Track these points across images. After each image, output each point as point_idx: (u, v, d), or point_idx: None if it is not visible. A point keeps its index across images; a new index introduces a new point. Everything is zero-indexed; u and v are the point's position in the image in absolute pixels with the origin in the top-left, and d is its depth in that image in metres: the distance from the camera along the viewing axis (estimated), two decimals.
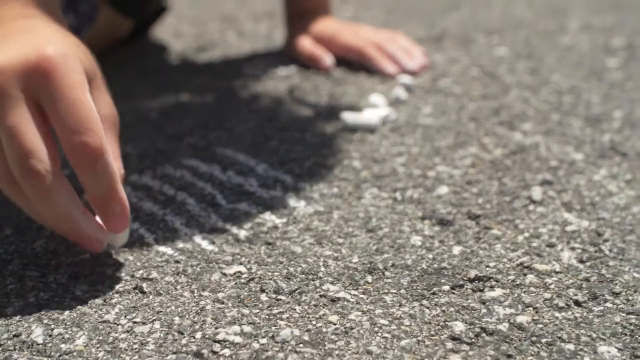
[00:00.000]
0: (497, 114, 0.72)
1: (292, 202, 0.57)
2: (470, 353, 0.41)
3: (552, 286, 0.47)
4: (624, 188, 0.58)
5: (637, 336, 0.42)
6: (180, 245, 0.52)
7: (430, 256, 0.50)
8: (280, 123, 0.72)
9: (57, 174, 0.44)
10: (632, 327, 0.43)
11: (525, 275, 0.48)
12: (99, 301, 0.47)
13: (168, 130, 0.71)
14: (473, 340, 0.42)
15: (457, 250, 0.51)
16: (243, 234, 0.53)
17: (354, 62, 0.86)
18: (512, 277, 0.48)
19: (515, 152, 0.64)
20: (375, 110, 0.71)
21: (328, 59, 0.84)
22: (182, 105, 0.77)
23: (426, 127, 0.70)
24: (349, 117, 0.70)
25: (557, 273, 0.48)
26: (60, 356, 0.42)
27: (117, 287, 0.48)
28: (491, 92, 0.77)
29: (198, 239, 0.53)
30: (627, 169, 0.61)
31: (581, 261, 0.49)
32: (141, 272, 0.49)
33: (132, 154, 0.66)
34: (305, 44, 0.87)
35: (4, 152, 0.44)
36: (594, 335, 0.42)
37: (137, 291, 0.47)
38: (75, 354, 0.42)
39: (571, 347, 0.41)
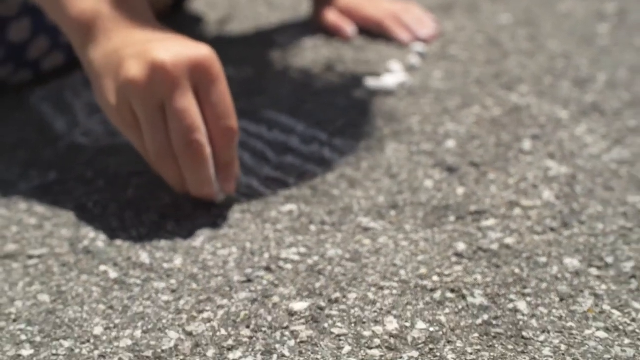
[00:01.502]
0: (497, 78, 0.88)
1: (328, 155, 0.74)
2: (469, 264, 0.59)
3: (533, 217, 0.64)
4: (599, 140, 0.75)
5: (594, 252, 0.59)
6: (243, 190, 0.69)
7: (440, 195, 0.67)
8: (312, 88, 0.89)
9: (209, 148, 0.61)
10: (590, 246, 0.60)
11: (513, 209, 0.65)
12: (185, 233, 0.64)
13: None
14: (471, 256, 0.60)
15: (460, 191, 0.68)
16: (291, 180, 0.70)
17: (373, 31, 1.02)
18: (502, 211, 0.65)
19: (511, 111, 0.81)
20: (393, 75, 0.88)
21: (350, 29, 1.01)
22: (224, 74, 0.94)
23: (437, 90, 0.86)
24: (370, 82, 0.87)
25: (537, 207, 0.65)
26: (164, 272, 0.60)
27: (198, 223, 0.65)
28: (493, 57, 0.94)
29: (256, 184, 0.70)
30: (604, 124, 0.78)
31: (557, 198, 0.66)
32: (215, 211, 0.67)
33: None
34: (330, 15, 1.03)
35: (167, 130, 0.60)
36: (562, 252, 0.60)
37: (213, 225, 0.65)
38: (175, 270, 0.60)
39: (544, 259, 0.59)
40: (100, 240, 0.64)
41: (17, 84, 0.93)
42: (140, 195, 0.70)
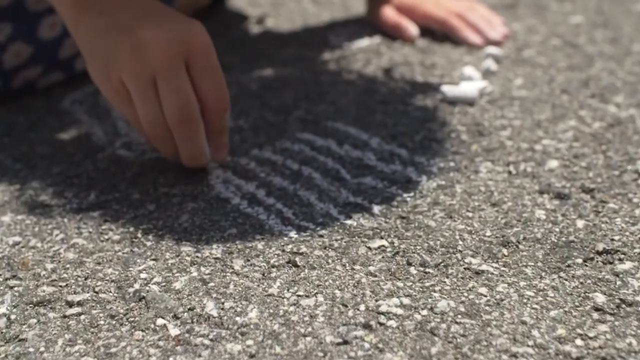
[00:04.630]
0: (586, 86, 0.74)
1: (414, 175, 0.60)
2: (616, 323, 0.44)
3: None
4: None
5: None
6: (320, 219, 0.55)
7: (557, 229, 0.53)
8: (379, 95, 0.74)
9: (201, 121, 0.57)
10: None
11: None
12: (258, 275, 0.50)
13: (272, 103, 0.73)
14: (615, 311, 0.45)
15: (580, 223, 0.53)
16: (376, 208, 0.56)
17: (436, 32, 0.87)
18: (638, 250, 0.50)
19: (612, 125, 0.66)
20: (471, 82, 0.73)
21: (413, 29, 0.86)
22: (279, 77, 0.79)
23: (521, 99, 0.72)
24: (447, 89, 0.72)
25: None
26: (238, 328, 0.45)
27: (272, 261, 0.51)
28: (576, 62, 0.79)
29: (334, 212, 0.56)
30: None
31: None
32: (290, 246, 0.52)
33: (245, 127, 0.69)
34: (389, 13, 0.88)
35: (159, 102, 0.56)
36: None
37: (290, 265, 0.50)
38: (252, 326, 0.45)
39: None
40: (154, 282, 0.49)
41: (47, 87, 0.78)
42: (198, 222, 0.55)
